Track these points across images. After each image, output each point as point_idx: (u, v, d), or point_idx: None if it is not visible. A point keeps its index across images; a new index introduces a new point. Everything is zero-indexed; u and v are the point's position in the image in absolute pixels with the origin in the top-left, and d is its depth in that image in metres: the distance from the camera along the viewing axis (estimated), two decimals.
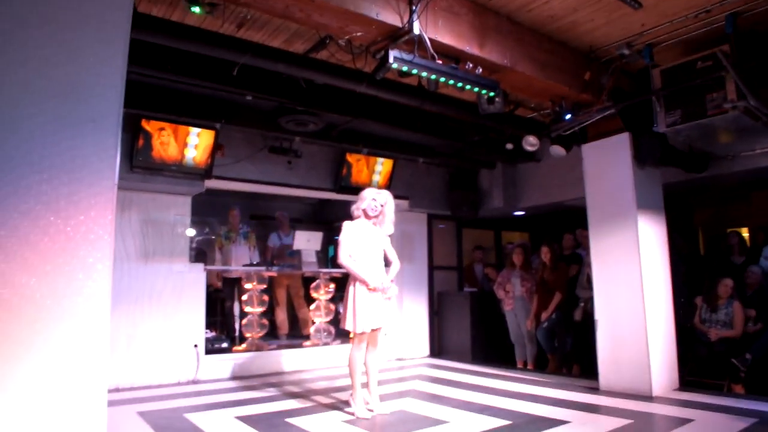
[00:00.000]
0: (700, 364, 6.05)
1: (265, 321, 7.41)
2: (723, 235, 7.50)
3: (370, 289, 4.67)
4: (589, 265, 6.16)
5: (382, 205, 4.86)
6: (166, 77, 5.20)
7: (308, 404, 5.17)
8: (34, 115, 2.23)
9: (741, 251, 7.01)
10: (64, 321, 2.21)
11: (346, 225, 4.85)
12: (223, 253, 8.16)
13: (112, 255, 2.37)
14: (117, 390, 5.71)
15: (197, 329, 6.48)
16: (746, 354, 5.54)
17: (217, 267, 7.88)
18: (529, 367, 7.52)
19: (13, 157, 2.16)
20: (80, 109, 2.34)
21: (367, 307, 4.65)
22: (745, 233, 8.54)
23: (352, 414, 4.68)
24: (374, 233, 4.88)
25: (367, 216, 4.87)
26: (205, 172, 6.39)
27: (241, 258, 8.00)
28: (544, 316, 7.14)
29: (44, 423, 2.12)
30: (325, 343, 7.64)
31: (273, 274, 7.74)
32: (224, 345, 6.94)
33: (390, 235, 5.00)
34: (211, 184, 6.63)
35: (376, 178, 7.76)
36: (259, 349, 7.14)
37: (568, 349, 7.23)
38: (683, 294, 6.29)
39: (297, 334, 8.46)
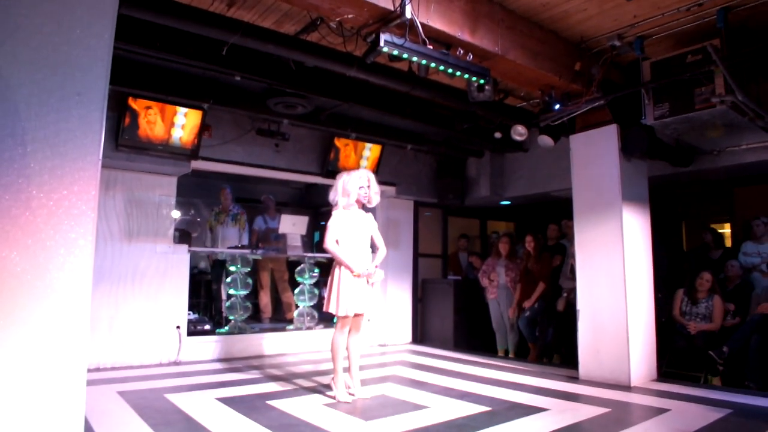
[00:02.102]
0: (679, 356, 6.12)
1: (249, 304, 7.38)
2: (705, 229, 7.57)
3: (354, 275, 4.67)
4: (572, 256, 6.20)
5: (368, 187, 4.86)
6: (155, 55, 5.11)
7: (289, 387, 5.18)
8: (18, 87, 2.18)
9: (716, 246, 7.09)
10: (45, 296, 2.18)
11: (337, 213, 4.83)
12: (213, 234, 8.13)
13: (94, 231, 2.34)
14: (98, 369, 5.68)
15: (180, 311, 6.45)
16: (723, 347, 5.62)
17: (202, 249, 7.84)
18: (510, 355, 7.58)
19: None
20: (66, 82, 2.29)
21: (351, 291, 4.66)
22: (727, 228, 8.66)
23: (333, 398, 4.69)
24: (362, 220, 4.89)
25: (359, 203, 4.88)
26: (192, 152, 6.33)
27: (228, 240, 7.97)
28: (526, 304, 7.19)
29: (22, 400, 2.10)
30: (308, 328, 7.64)
31: (258, 257, 7.71)
32: (206, 327, 6.91)
33: (376, 220, 5.01)
34: (198, 165, 6.58)
35: (364, 163, 7.74)
36: (241, 331, 7.12)
37: (549, 338, 7.28)
38: (663, 288, 6.35)
39: (280, 318, 8.47)
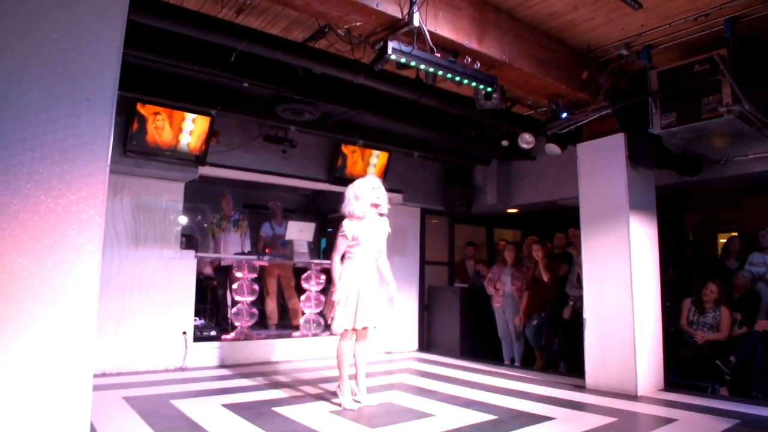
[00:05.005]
0: (686, 365, 6.09)
1: (255, 310, 7.39)
2: (714, 238, 7.51)
3: (333, 299, 4.62)
4: (579, 265, 6.18)
5: (379, 188, 4.83)
6: (163, 61, 5.14)
7: (295, 394, 5.17)
8: (28, 92, 2.20)
9: (739, 257, 6.98)
10: (53, 301, 2.19)
11: (352, 223, 4.70)
12: (215, 240, 8.15)
13: (102, 236, 2.34)
14: (104, 375, 5.70)
15: (186, 316, 6.46)
16: (731, 356, 5.58)
17: (208, 254, 7.86)
18: (516, 364, 7.55)
19: (5, 134, 2.13)
20: (75, 88, 2.31)
21: (351, 305, 4.63)
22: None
23: (339, 405, 4.69)
24: (377, 228, 4.82)
25: (375, 206, 4.78)
26: (199, 158, 6.35)
27: (231, 246, 7.98)
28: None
29: (28, 404, 2.10)
30: (314, 334, 7.64)
31: (264, 263, 7.72)
32: (213, 333, 6.92)
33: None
34: (205, 171, 6.60)
35: (371, 170, 7.74)
36: (247, 338, 7.13)
37: (555, 347, 7.26)
38: (669, 297, 6.32)
39: (286, 325, 8.46)
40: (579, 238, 6.09)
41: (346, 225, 4.71)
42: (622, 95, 5.66)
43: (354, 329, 4.71)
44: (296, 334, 7.67)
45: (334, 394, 4.91)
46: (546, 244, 7.48)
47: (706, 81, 4.77)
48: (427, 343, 8.74)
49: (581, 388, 5.65)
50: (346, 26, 4.25)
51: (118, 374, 5.81)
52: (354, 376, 4.88)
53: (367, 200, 4.73)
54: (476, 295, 8.50)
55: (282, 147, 7.13)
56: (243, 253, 7.66)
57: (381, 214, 4.87)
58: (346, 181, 7.00)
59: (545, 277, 7.14)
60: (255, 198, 10.21)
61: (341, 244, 4.70)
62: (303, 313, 7.81)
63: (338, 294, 4.61)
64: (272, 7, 4.60)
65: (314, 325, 7.70)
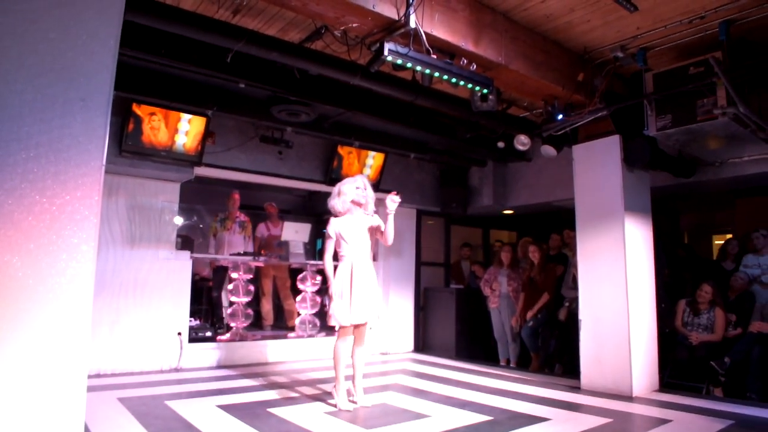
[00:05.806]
0: (681, 366, 6.10)
1: (250, 311, 7.38)
2: (709, 240, 7.52)
3: (330, 293, 4.72)
4: (574, 266, 6.19)
5: (364, 188, 4.89)
6: (159, 61, 5.14)
7: (291, 395, 5.17)
8: (23, 92, 2.19)
9: (735, 258, 7.00)
10: (47, 302, 2.18)
11: (334, 222, 4.84)
12: (217, 240, 8.12)
13: (97, 236, 2.34)
14: (98, 376, 5.68)
15: (181, 317, 6.44)
16: (725, 358, 5.60)
17: (203, 255, 7.84)
18: (511, 364, 7.56)
19: (0, 133, 2.13)
20: (70, 88, 2.30)
21: (347, 301, 4.66)
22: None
23: (335, 406, 4.68)
24: (361, 222, 4.89)
25: (357, 205, 4.87)
26: (195, 159, 6.35)
27: (234, 246, 7.97)
28: (529, 315, 7.16)
29: (22, 405, 2.09)
30: (310, 335, 7.63)
31: (260, 264, 7.72)
32: (208, 334, 6.91)
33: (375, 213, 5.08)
34: (201, 171, 6.59)
35: (367, 171, 7.75)
36: (243, 338, 7.12)
37: (551, 348, 7.26)
38: (664, 298, 6.33)
39: (282, 326, 8.45)
40: (574, 240, 6.11)
41: (330, 224, 4.85)
42: (617, 97, 5.68)
43: (353, 327, 4.73)
44: (291, 335, 7.66)
45: (330, 395, 4.90)
46: (543, 246, 7.49)
47: (701, 83, 4.79)
48: (422, 344, 8.73)
49: (576, 389, 5.67)
50: (342, 27, 4.25)
51: (113, 375, 5.79)
52: (351, 377, 4.89)
53: (349, 198, 4.83)
54: (472, 296, 8.51)
55: (278, 148, 7.14)
56: (238, 254, 7.65)
57: (367, 214, 4.98)
58: None
59: (539, 280, 7.19)
60: (250, 199, 10.17)
61: (327, 244, 4.83)
62: (298, 314, 7.79)
63: (332, 289, 4.72)
64: (269, 8, 4.60)
65: (310, 326, 7.69)
